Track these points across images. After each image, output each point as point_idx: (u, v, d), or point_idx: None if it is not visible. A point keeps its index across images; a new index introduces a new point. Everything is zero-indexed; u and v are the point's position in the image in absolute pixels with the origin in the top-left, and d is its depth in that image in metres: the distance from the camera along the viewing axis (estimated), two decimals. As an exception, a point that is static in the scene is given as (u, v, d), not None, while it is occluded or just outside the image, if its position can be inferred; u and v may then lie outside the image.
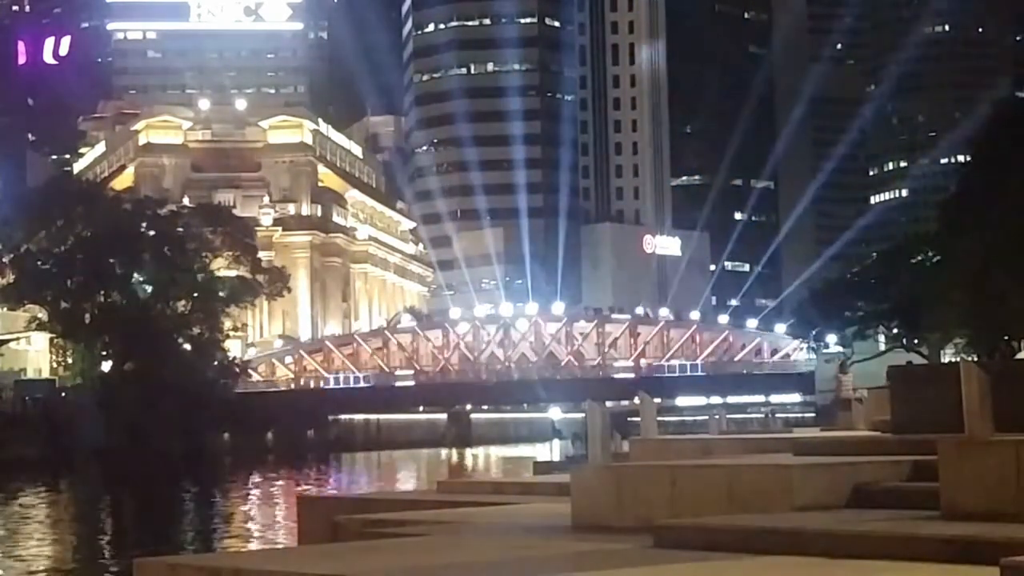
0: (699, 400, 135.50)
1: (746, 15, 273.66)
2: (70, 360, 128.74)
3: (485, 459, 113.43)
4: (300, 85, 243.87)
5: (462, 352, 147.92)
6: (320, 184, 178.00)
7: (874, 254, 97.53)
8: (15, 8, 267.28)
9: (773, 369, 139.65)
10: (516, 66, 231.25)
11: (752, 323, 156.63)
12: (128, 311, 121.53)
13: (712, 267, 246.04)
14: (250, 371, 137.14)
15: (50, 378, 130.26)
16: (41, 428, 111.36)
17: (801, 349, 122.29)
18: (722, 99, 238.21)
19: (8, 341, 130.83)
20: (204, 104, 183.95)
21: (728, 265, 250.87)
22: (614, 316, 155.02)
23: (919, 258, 78.45)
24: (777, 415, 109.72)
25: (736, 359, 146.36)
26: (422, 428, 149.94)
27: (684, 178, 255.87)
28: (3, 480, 76.74)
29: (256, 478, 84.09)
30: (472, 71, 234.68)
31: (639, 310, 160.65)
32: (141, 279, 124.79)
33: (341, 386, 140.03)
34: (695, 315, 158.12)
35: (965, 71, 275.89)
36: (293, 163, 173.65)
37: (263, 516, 55.31)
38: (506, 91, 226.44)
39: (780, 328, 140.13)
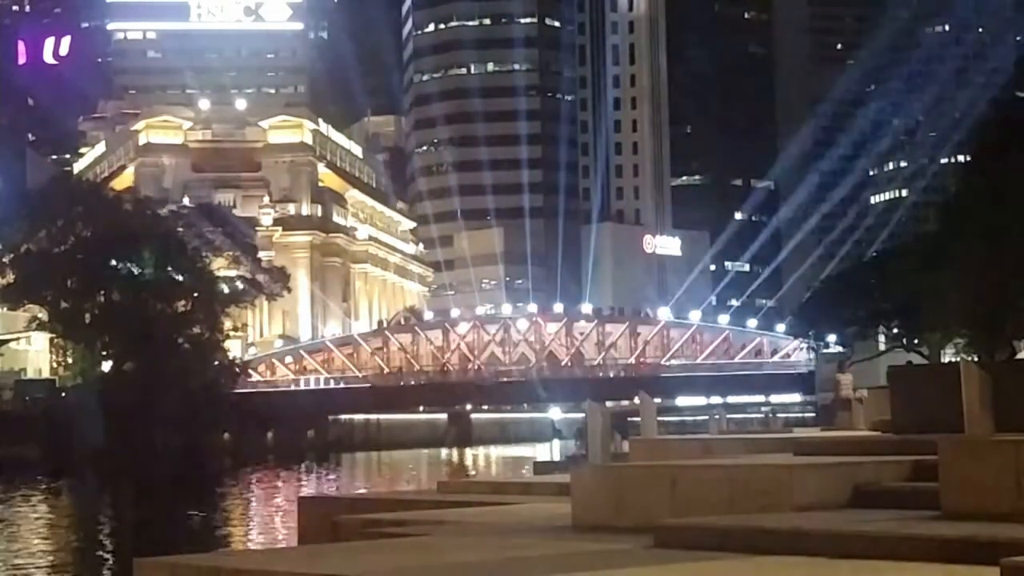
0: (699, 400, 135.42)
1: (746, 15, 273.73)
2: (70, 360, 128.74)
3: (485, 459, 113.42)
4: (300, 85, 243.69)
5: (462, 352, 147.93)
6: (320, 184, 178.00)
7: (874, 254, 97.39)
8: (15, 8, 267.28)
9: (773, 369, 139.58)
10: (516, 66, 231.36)
11: (752, 323, 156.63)
12: (128, 311, 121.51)
13: (712, 267, 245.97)
14: (250, 371, 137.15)
15: (50, 378, 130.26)
16: (41, 428, 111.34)
17: (801, 349, 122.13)
18: (722, 99, 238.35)
19: (8, 341, 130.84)
20: (204, 104, 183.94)
21: (728, 265, 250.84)
22: (614, 316, 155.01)
23: (919, 258, 78.32)
24: (778, 415, 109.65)
25: (736, 359, 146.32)
26: (422, 428, 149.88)
27: (684, 178, 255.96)
28: (3, 480, 76.74)
29: (256, 478, 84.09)
30: (472, 71, 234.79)
31: (639, 310, 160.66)
32: (141, 279, 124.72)
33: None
34: (695, 315, 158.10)
35: (965, 71, 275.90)
36: (293, 163, 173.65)
37: (263, 516, 55.30)
38: (506, 91, 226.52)
39: (780, 328, 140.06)
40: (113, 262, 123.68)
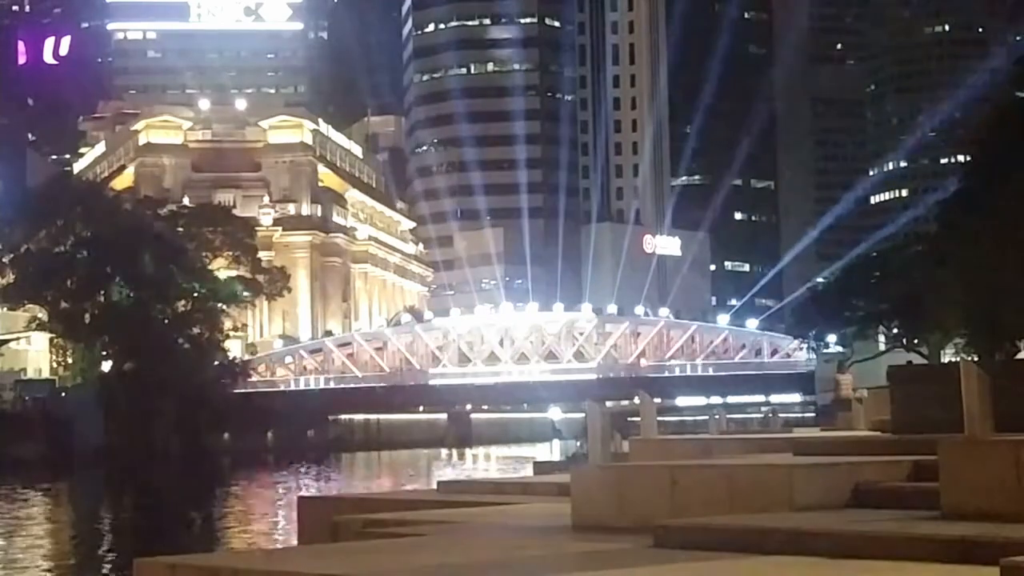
0: (699, 400, 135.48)
1: (746, 15, 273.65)
2: (70, 360, 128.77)
3: (485, 459, 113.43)
4: (300, 85, 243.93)
5: (462, 352, 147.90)
6: (320, 184, 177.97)
7: (874, 254, 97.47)
8: (15, 8, 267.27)
9: (773, 369, 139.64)
10: (516, 66, 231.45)
11: (752, 323, 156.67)
12: (128, 311, 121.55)
13: (712, 267, 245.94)
14: (250, 371, 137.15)
15: (50, 378, 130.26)
16: (41, 428, 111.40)
17: (801, 349, 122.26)
18: (722, 99, 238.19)
19: (8, 341, 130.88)
20: (204, 104, 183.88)
21: (728, 265, 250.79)
22: (614, 316, 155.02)
23: (919, 258, 78.40)
24: (778, 415, 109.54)
25: (736, 359, 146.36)
26: (422, 428, 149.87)
27: (684, 178, 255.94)
28: (3, 480, 76.75)
29: (256, 478, 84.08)
30: (472, 71, 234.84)
31: (639, 310, 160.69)
32: (141, 279, 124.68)
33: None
34: (695, 315, 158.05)
35: (965, 71, 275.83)
36: (293, 163, 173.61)
37: (263, 516, 55.30)
38: (506, 91, 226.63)
39: (780, 328, 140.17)
40: (113, 262, 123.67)
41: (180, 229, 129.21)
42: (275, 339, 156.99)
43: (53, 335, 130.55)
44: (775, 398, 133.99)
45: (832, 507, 13.29)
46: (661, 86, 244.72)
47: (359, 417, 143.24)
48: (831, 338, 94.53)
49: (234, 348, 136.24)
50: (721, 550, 11.54)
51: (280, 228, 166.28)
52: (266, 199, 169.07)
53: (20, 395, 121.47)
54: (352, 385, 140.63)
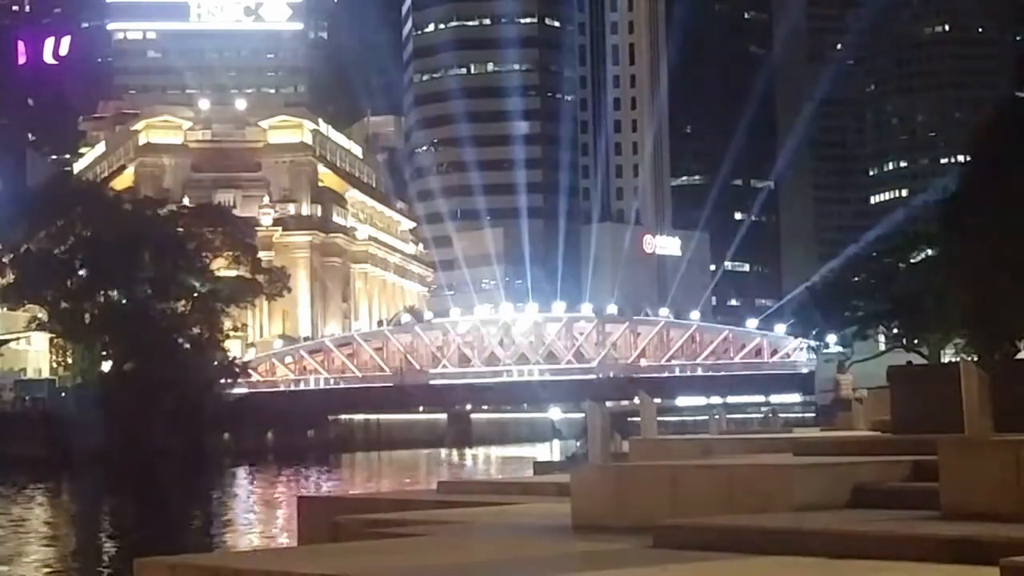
0: (699, 400, 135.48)
1: (746, 15, 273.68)
2: (70, 360, 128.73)
3: (485, 459, 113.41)
4: (300, 85, 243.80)
5: (462, 352, 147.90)
6: (320, 184, 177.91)
7: (874, 254, 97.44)
8: (15, 8, 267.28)
9: (773, 369, 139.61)
10: (516, 66, 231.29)
11: (752, 323, 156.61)
12: (128, 311, 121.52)
13: (712, 267, 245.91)
14: (250, 371, 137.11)
15: (50, 378, 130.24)
16: (41, 428, 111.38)
17: (801, 349, 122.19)
18: (722, 99, 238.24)
19: (8, 341, 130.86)
20: (204, 104, 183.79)
21: (728, 265, 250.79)
22: (614, 316, 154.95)
23: (919, 258, 78.39)
24: (779, 415, 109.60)
25: (736, 359, 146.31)
26: (422, 428, 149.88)
27: (684, 178, 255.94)
28: (3, 480, 76.74)
29: (256, 478, 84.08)
30: (472, 71, 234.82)
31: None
32: (141, 279, 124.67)
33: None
34: (695, 315, 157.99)
35: (965, 71, 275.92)
36: (293, 163, 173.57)
37: (263, 516, 55.30)
38: (506, 91, 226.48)
39: (780, 328, 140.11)
40: (113, 262, 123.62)
41: (180, 229, 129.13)
42: (275, 339, 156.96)
43: (53, 335, 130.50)
44: (775, 398, 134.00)
45: (832, 507, 13.29)
46: (661, 86, 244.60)
47: (359, 417, 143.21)
48: (831, 338, 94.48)
49: (234, 348, 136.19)
50: (721, 550, 11.54)
51: (280, 228, 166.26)
52: (266, 199, 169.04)
53: (20, 395, 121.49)
54: (352, 385, 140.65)
